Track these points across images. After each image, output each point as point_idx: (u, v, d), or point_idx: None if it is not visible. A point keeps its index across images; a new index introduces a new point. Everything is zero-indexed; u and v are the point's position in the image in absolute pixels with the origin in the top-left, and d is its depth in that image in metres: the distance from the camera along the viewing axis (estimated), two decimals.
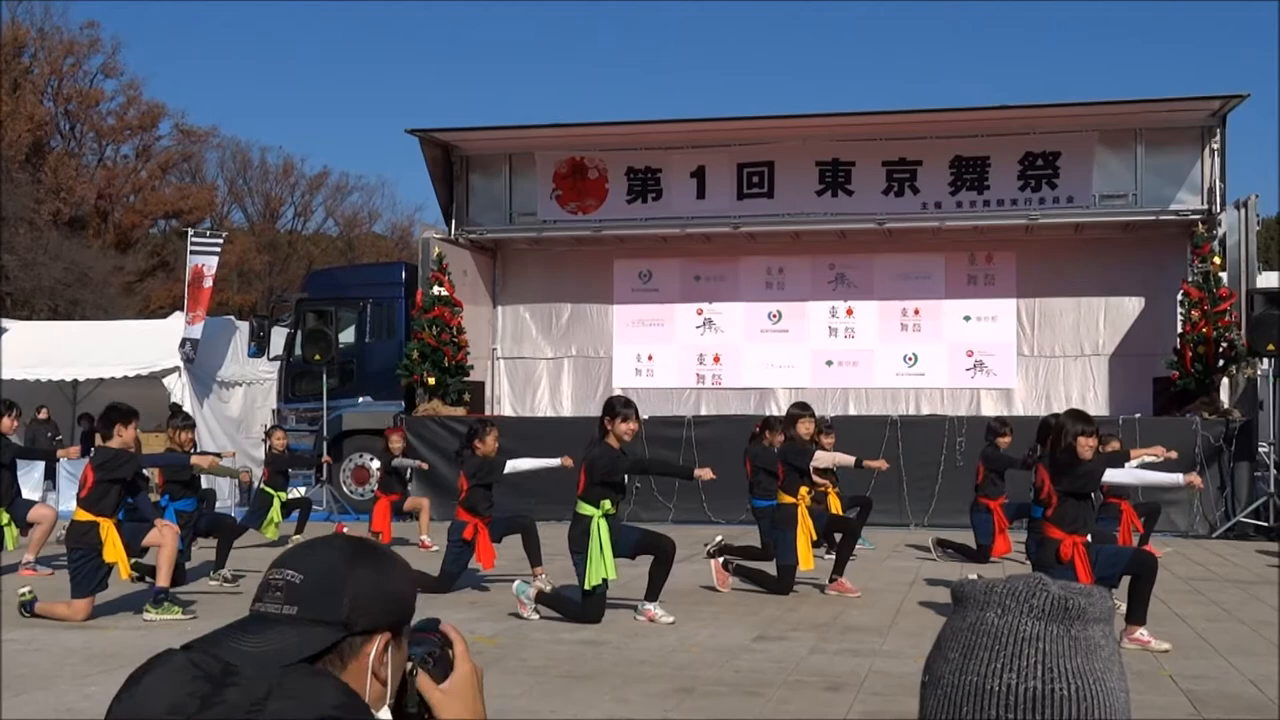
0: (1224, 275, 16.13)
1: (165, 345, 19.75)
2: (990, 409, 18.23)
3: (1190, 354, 15.93)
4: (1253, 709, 6.40)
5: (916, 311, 19.30)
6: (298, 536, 13.42)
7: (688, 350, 20.04)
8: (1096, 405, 17.98)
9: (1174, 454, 10.66)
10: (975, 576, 6.25)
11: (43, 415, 20.84)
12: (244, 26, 77.47)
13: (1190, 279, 16.44)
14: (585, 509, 8.87)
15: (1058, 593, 1.31)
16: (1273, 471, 15.26)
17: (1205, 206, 17.27)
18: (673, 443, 16.76)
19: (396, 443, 14.64)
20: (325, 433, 18.43)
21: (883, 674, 7.13)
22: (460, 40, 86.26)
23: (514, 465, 10.50)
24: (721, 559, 10.78)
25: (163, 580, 9.26)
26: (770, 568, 10.47)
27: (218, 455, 12.37)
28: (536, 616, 9.01)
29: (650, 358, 20.12)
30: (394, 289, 19.69)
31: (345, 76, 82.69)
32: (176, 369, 19.35)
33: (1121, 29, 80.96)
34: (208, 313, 20.25)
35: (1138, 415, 16.31)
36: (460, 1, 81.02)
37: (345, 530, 14.01)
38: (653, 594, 9.06)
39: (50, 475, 18.94)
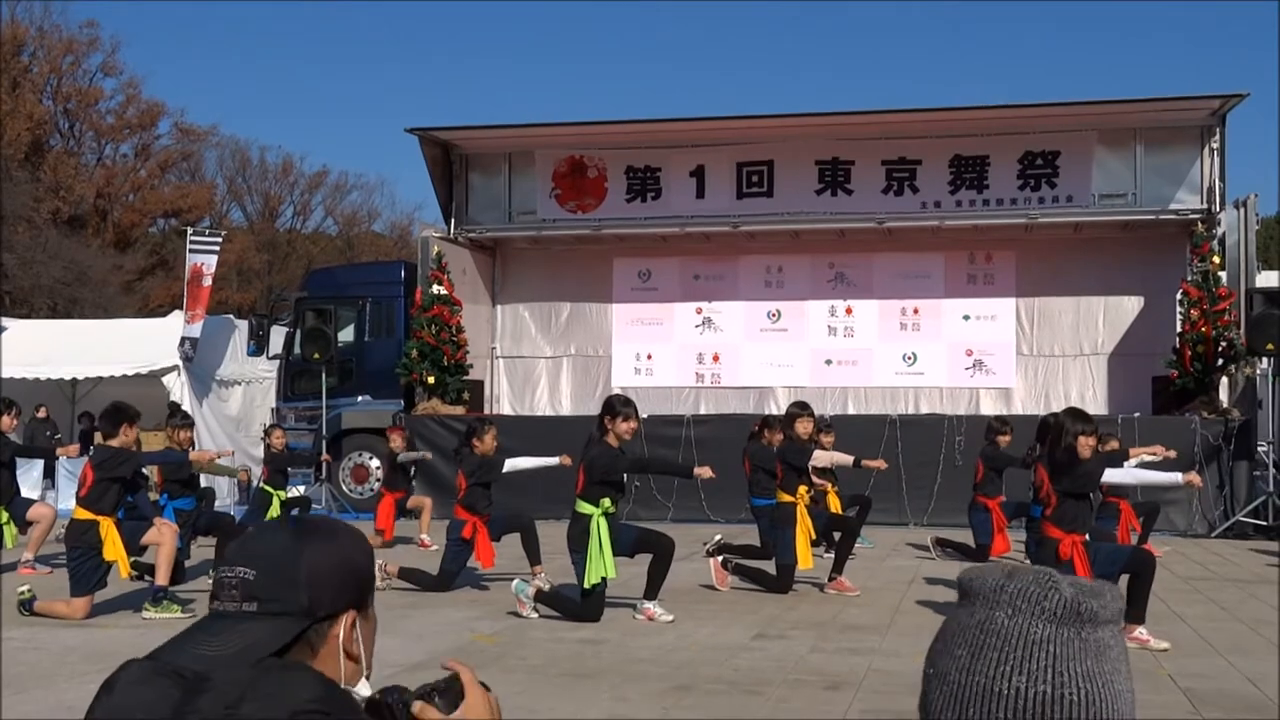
0: (1223, 274, 16.13)
1: (164, 344, 19.74)
2: (989, 408, 18.24)
3: (1189, 353, 15.93)
4: (1252, 708, 6.40)
5: (916, 311, 19.30)
6: None
7: (687, 349, 20.03)
8: (1096, 404, 17.98)
9: (1173, 453, 10.66)
10: None
11: (42, 414, 20.82)
12: (243, 25, 77.53)
13: (1189, 278, 16.44)
14: (584, 508, 8.87)
15: (1069, 595, 1.29)
16: (1271, 471, 15.27)
17: (1205, 206, 17.27)
18: (672, 442, 16.77)
19: (397, 442, 14.66)
20: (324, 431, 18.43)
21: (882, 672, 7.13)
22: (459, 39, 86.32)
23: (513, 464, 10.50)
24: (720, 558, 10.78)
25: (162, 579, 9.27)
26: (769, 566, 10.47)
27: (216, 455, 12.37)
28: (536, 615, 9.01)
29: (649, 357, 20.11)
30: (393, 288, 19.69)
31: (344, 75, 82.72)
32: (175, 368, 19.35)
33: (1121, 28, 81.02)
34: (207, 311, 20.25)
35: (1137, 414, 16.32)
36: (460, 1, 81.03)
37: None
38: (652, 592, 9.06)
39: (49, 474, 18.93)
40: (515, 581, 9.34)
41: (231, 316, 23.75)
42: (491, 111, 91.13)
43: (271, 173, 53.35)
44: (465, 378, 18.36)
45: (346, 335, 19.70)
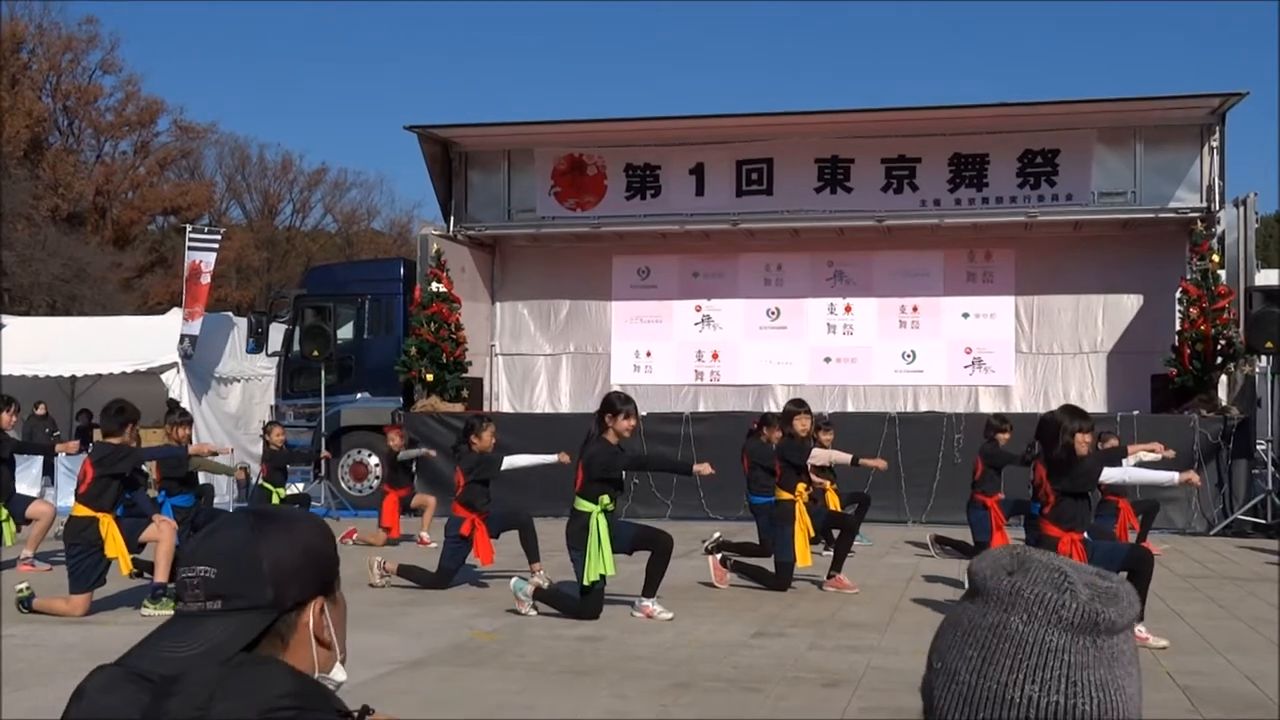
0: (1222, 273, 16.13)
1: (163, 341, 19.75)
2: (988, 406, 18.24)
3: (1189, 351, 15.93)
4: (1250, 706, 6.41)
5: (915, 309, 19.30)
6: None
7: (686, 347, 20.03)
8: (1095, 402, 17.99)
9: (1171, 453, 10.64)
10: None
11: (41, 411, 20.84)
12: (242, 23, 77.48)
13: (1189, 276, 16.44)
14: (583, 505, 8.87)
15: (1086, 602, 1.28)
16: (1270, 469, 15.27)
17: (1204, 204, 17.27)
18: (671, 439, 16.78)
19: (395, 440, 14.66)
20: (323, 429, 18.44)
21: (881, 670, 7.13)
22: (459, 37, 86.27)
23: (511, 461, 10.51)
24: (719, 555, 10.79)
25: (160, 576, 9.26)
26: (768, 564, 10.47)
27: (215, 447, 12.36)
28: (534, 613, 9.01)
29: (649, 354, 20.11)
30: (392, 285, 19.69)
31: (343, 73, 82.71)
32: (174, 365, 19.35)
33: (1120, 27, 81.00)
34: (206, 309, 20.25)
35: (1136, 412, 16.32)
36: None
37: (355, 534, 14.02)
38: (650, 590, 9.06)
39: (49, 471, 18.94)
40: (514, 580, 9.34)
41: (230, 314, 23.75)
42: (491, 109, 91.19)
43: (270, 170, 53.39)
44: (464, 375, 18.36)
45: (345, 333, 19.70)
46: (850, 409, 18.63)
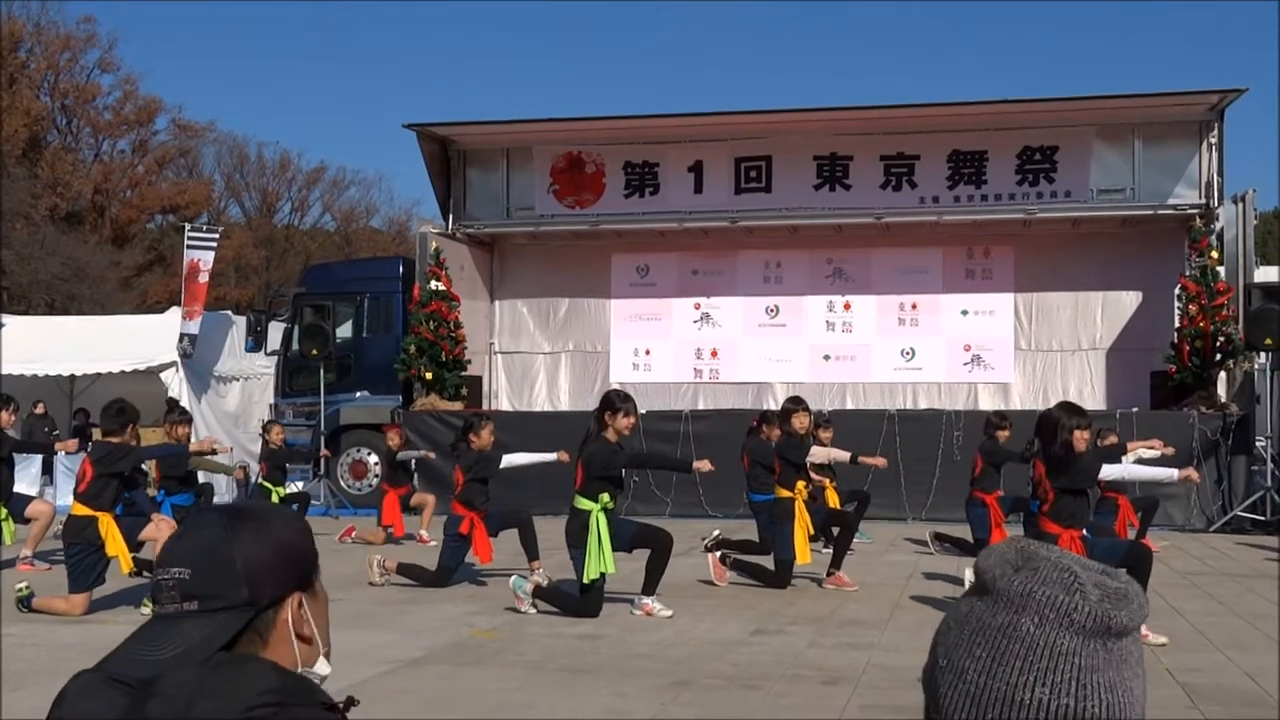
0: (1221, 269, 16.13)
1: (162, 340, 19.75)
2: (988, 403, 18.24)
3: (1188, 348, 15.94)
4: (1250, 703, 6.41)
5: (914, 306, 19.30)
6: None
7: (685, 345, 20.03)
8: (1094, 399, 17.99)
9: (1170, 450, 10.66)
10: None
11: (40, 410, 20.84)
12: (241, 21, 77.42)
13: (1188, 273, 16.44)
14: (583, 503, 8.86)
15: (1096, 604, 1.28)
16: (1270, 466, 15.28)
17: (1203, 201, 17.27)
18: (670, 437, 16.78)
19: (394, 440, 14.66)
20: (323, 427, 18.44)
21: (881, 668, 7.13)
22: (458, 35, 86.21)
23: (510, 460, 10.50)
24: (719, 553, 10.78)
25: None
26: (768, 561, 10.47)
27: (215, 442, 12.35)
28: (534, 611, 9.01)
29: (648, 352, 20.11)
30: (391, 284, 19.69)
31: (342, 71, 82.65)
32: (174, 364, 19.35)
33: (1119, 24, 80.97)
34: (204, 307, 20.24)
35: (1135, 409, 16.32)
36: None
37: (354, 532, 14.03)
38: (650, 588, 9.06)
39: (48, 470, 18.94)
40: (513, 578, 9.34)
41: (229, 313, 23.75)
42: (489, 108, 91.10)
43: (269, 169, 53.36)
44: (463, 373, 18.36)
45: (345, 331, 19.70)
46: (849, 406, 18.62)
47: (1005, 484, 12.25)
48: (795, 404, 10.64)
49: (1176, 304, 16.53)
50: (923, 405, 18.65)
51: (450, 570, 10.34)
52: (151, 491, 12.00)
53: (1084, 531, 8.16)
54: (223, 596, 1.64)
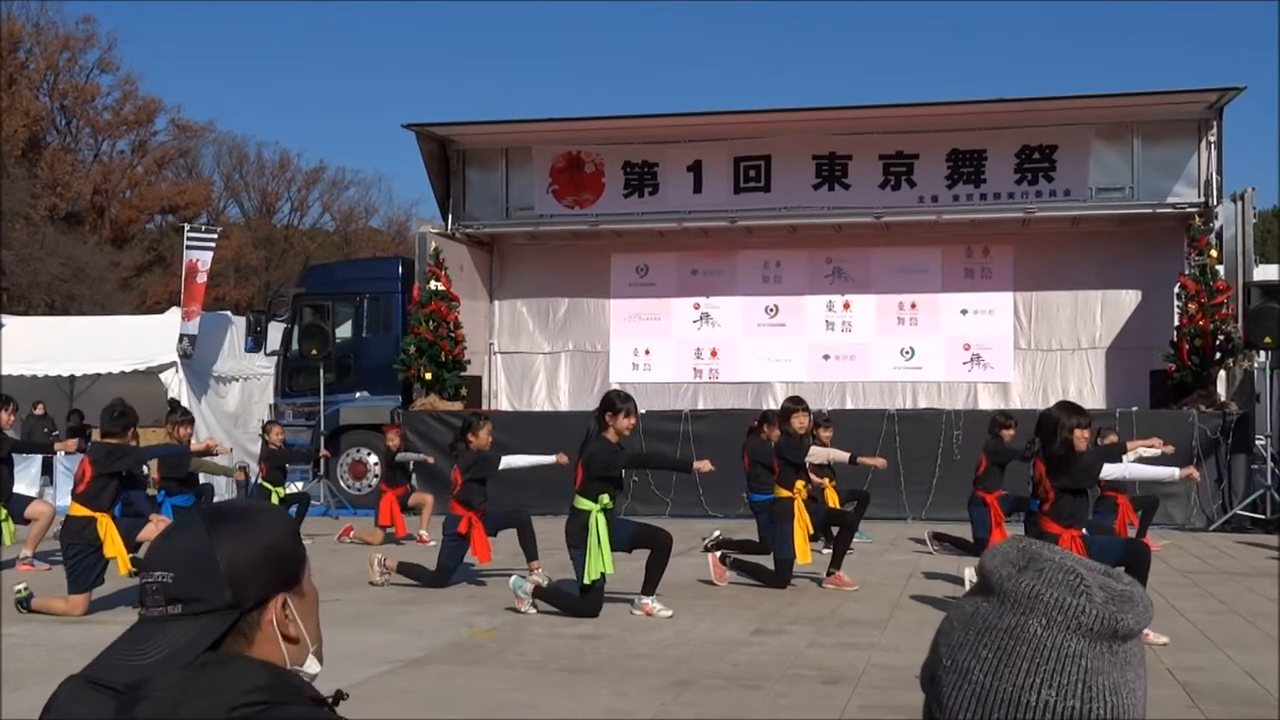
0: (1221, 268, 16.13)
1: (162, 340, 19.75)
2: (987, 403, 18.25)
3: (1187, 347, 15.93)
4: (1250, 701, 6.41)
5: (913, 305, 19.30)
6: None
7: (685, 344, 20.03)
8: (1093, 398, 17.99)
9: (1170, 448, 10.66)
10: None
11: (39, 410, 20.83)
12: (240, 21, 77.41)
13: (1187, 272, 16.44)
14: (583, 503, 8.87)
15: (1102, 606, 1.28)
16: (1269, 464, 15.28)
17: (1202, 199, 17.27)
18: (669, 437, 16.78)
19: (394, 440, 14.65)
20: (322, 427, 18.44)
21: (881, 667, 7.13)
22: (457, 36, 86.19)
23: (509, 462, 10.50)
24: (719, 553, 10.78)
25: None
26: (768, 561, 10.47)
27: (216, 443, 12.34)
28: (534, 611, 9.01)
29: (647, 352, 20.11)
30: (391, 284, 19.69)
31: (341, 71, 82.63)
32: (173, 364, 19.35)
33: (1118, 24, 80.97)
34: (203, 308, 20.25)
35: (1134, 408, 16.31)
36: None
37: (352, 531, 14.04)
38: (650, 588, 9.06)
39: (48, 470, 18.94)
40: (513, 578, 9.34)
41: (228, 313, 23.76)
42: (489, 108, 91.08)
43: (269, 169, 53.36)
44: (463, 373, 18.36)
45: (344, 331, 19.70)
46: (849, 406, 18.62)
47: (1006, 484, 12.26)
48: (795, 404, 10.64)
49: (1176, 303, 16.52)
50: (922, 404, 18.65)
51: (449, 570, 10.34)
52: (152, 492, 12.00)
53: (1084, 531, 8.16)
54: (206, 600, 1.64)
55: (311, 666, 1.73)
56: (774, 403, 17.26)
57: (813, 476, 11.63)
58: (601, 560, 8.75)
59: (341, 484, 18.60)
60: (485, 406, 19.09)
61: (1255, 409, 16.01)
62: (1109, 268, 18.56)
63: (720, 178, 18.60)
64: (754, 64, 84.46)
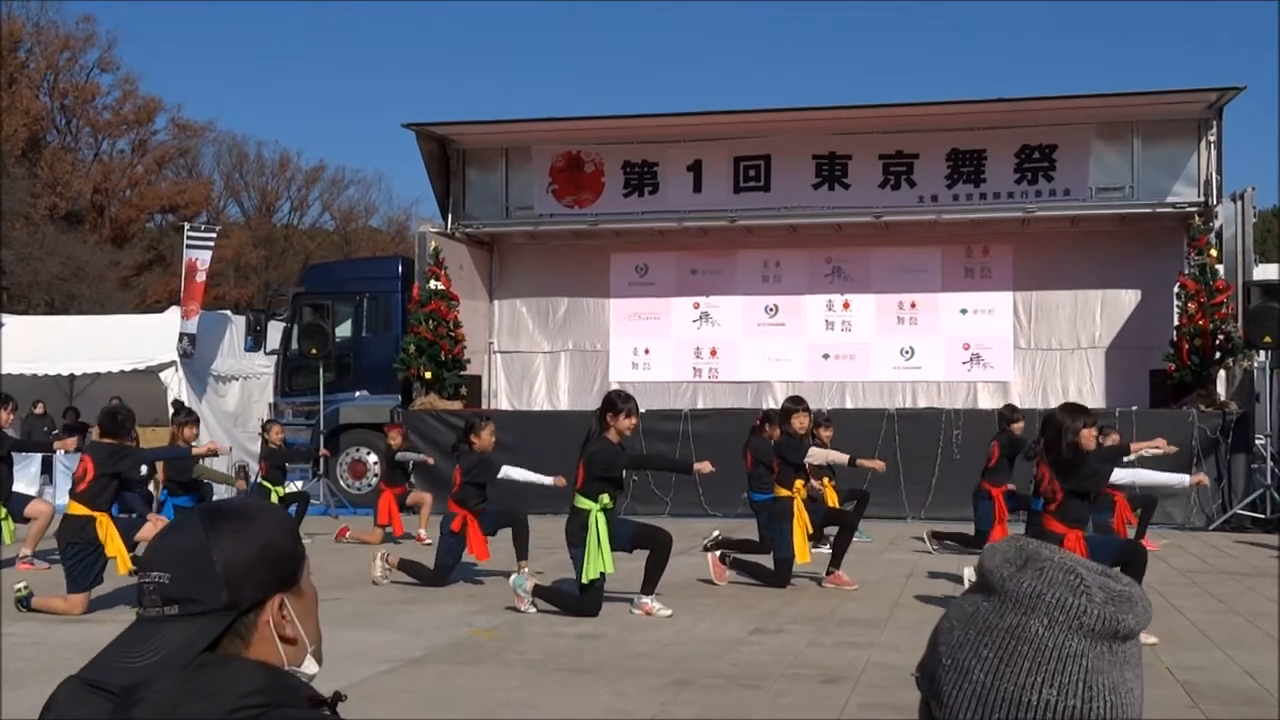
0: (1220, 268, 16.12)
1: (162, 339, 19.75)
2: (987, 402, 18.24)
3: (1187, 346, 15.93)
4: (1250, 701, 6.41)
5: (913, 305, 19.29)
6: None
7: (684, 344, 20.02)
8: (1093, 398, 17.98)
9: (1174, 449, 10.65)
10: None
11: (39, 409, 20.83)
12: (240, 21, 77.41)
13: (1187, 271, 16.44)
14: (583, 503, 8.87)
15: (1102, 606, 1.29)
16: (1269, 464, 15.28)
17: (1202, 199, 17.27)
18: (669, 436, 16.77)
19: (395, 439, 14.66)
20: (322, 427, 18.43)
21: (880, 666, 7.13)
22: (457, 35, 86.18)
23: (507, 472, 10.51)
24: (718, 552, 10.78)
25: None
26: (767, 561, 10.47)
27: (216, 452, 12.35)
28: (534, 610, 9.01)
29: (647, 351, 20.10)
30: (390, 283, 19.69)
31: (341, 70, 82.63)
32: (173, 363, 19.34)
33: (1118, 24, 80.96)
34: (203, 306, 20.24)
35: (1134, 408, 16.31)
36: None
37: (349, 531, 14.04)
38: (649, 587, 9.06)
39: (47, 469, 18.94)
40: (513, 576, 9.35)
41: (228, 312, 23.76)
42: (489, 107, 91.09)
43: (268, 168, 53.37)
44: (463, 373, 18.35)
45: (344, 330, 19.70)
46: (849, 405, 18.61)
47: (1013, 482, 12.26)
48: (795, 404, 10.65)
49: (1175, 302, 16.52)
50: (922, 404, 18.65)
51: (448, 569, 10.35)
52: (156, 491, 12.00)
53: (1087, 530, 8.16)
54: (202, 600, 1.63)
55: (309, 667, 1.72)
56: (774, 402, 17.26)
57: (813, 481, 11.64)
58: (601, 560, 8.75)
59: (341, 483, 18.59)
60: (485, 406, 19.08)
61: (1255, 408, 16.00)
62: (1109, 267, 18.56)
63: (720, 177, 18.60)
64: (754, 64, 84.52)
